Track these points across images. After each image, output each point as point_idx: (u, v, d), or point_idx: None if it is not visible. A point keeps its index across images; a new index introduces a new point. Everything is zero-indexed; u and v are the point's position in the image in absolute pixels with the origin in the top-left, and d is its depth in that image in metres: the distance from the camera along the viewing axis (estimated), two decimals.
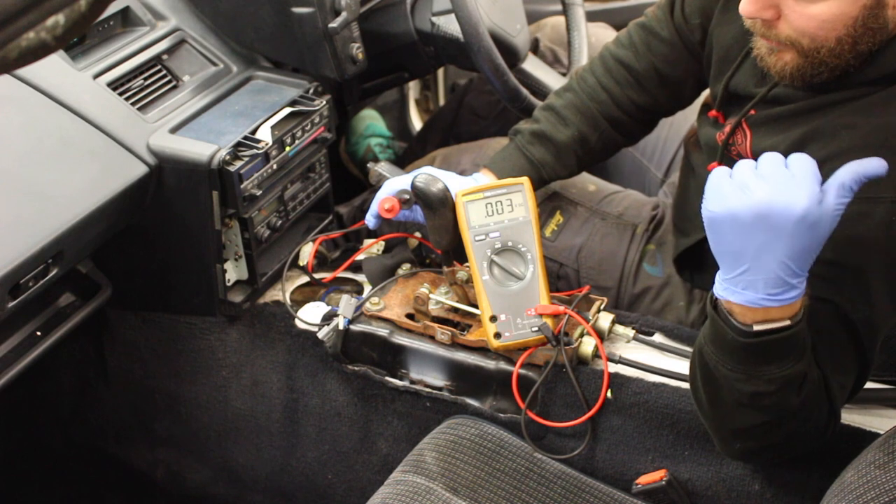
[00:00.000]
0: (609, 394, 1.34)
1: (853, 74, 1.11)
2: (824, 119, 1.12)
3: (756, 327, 1.02)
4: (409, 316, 1.43)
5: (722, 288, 1.03)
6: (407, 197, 1.40)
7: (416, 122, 2.41)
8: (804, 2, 1.04)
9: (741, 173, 0.98)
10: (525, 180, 1.36)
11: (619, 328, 1.39)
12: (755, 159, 1.17)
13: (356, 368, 1.47)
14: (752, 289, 0.99)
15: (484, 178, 1.47)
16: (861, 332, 1.09)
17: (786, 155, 1.02)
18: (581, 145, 1.49)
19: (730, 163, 1.27)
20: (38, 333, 1.44)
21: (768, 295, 0.99)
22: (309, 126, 1.53)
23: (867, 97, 1.10)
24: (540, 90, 1.71)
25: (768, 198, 0.95)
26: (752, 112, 1.24)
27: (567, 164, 1.49)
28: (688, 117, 1.64)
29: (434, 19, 1.70)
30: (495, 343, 1.31)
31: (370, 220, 1.44)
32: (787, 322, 1.01)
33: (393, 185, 1.43)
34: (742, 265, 0.99)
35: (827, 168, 1.00)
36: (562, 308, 1.33)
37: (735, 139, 1.26)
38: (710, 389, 1.11)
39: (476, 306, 1.36)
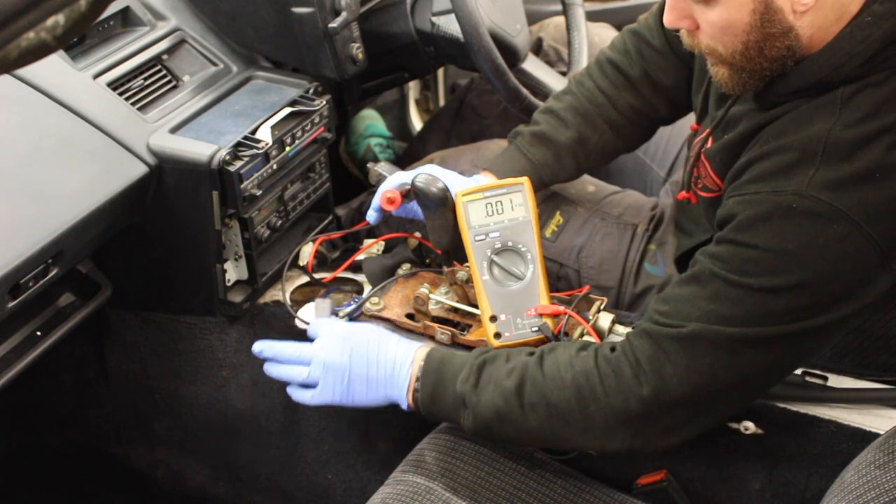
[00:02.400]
0: None
1: (785, 83, 1.14)
2: (761, 135, 1.16)
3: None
4: (409, 316, 1.43)
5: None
6: (409, 188, 1.40)
7: (416, 122, 2.41)
8: (705, 8, 1.10)
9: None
10: (525, 180, 1.36)
11: (620, 328, 1.39)
12: (724, 187, 1.23)
13: None
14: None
15: (485, 179, 1.47)
16: (750, 300, 1.09)
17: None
18: (581, 147, 1.49)
19: (696, 194, 1.33)
20: (38, 333, 1.44)
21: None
22: (309, 126, 1.53)
23: (798, 108, 1.14)
24: (540, 90, 1.71)
25: None
26: (710, 143, 1.28)
27: (567, 166, 1.50)
28: (690, 117, 1.63)
29: (434, 19, 1.70)
30: (495, 343, 1.31)
31: (371, 215, 1.45)
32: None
33: (395, 178, 1.43)
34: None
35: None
36: (562, 308, 1.33)
37: (699, 172, 1.31)
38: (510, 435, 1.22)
39: (476, 306, 1.36)
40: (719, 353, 1.10)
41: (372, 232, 1.68)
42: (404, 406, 1.25)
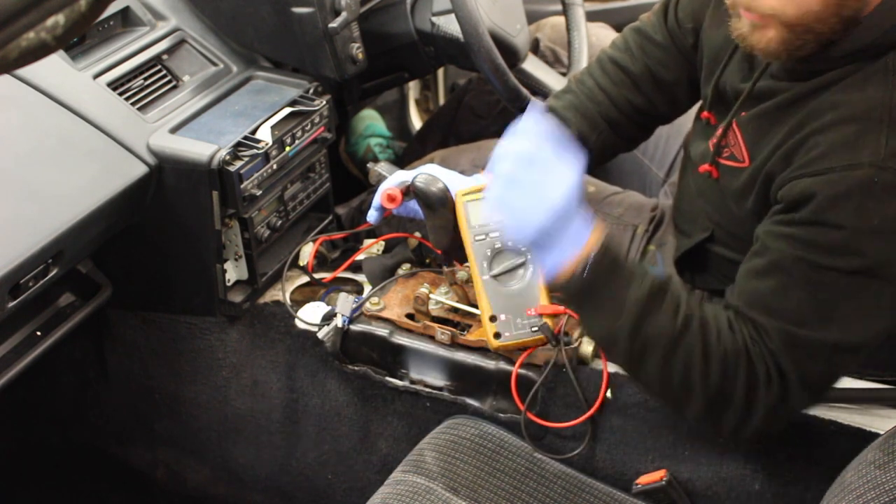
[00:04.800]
0: (609, 394, 1.34)
1: (832, 50, 1.11)
2: (809, 107, 1.14)
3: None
4: (409, 316, 1.43)
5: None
6: (409, 186, 1.39)
7: (416, 122, 2.41)
8: None
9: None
10: None
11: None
12: (752, 159, 1.18)
13: (356, 368, 1.47)
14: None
15: (485, 178, 1.46)
16: (844, 283, 1.08)
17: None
18: (580, 145, 1.48)
19: (719, 166, 1.28)
20: (38, 333, 1.44)
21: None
22: (309, 126, 1.53)
23: (847, 78, 1.11)
24: (540, 90, 1.71)
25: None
26: (743, 114, 1.25)
27: None
28: (689, 117, 1.63)
29: (434, 19, 1.70)
30: (495, 343, 1.31)
31: (372, 215, 1.43)
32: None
33: (396, 177, 1.42)
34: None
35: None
36: (562, 308, 1.33)
37: (727, 140, 1.27)
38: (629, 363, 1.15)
39: (476, 306, 1.36)
40: (821, 354, 1.09)
41: (372, 232, 1.68)
42: (567, 258, 1.09)
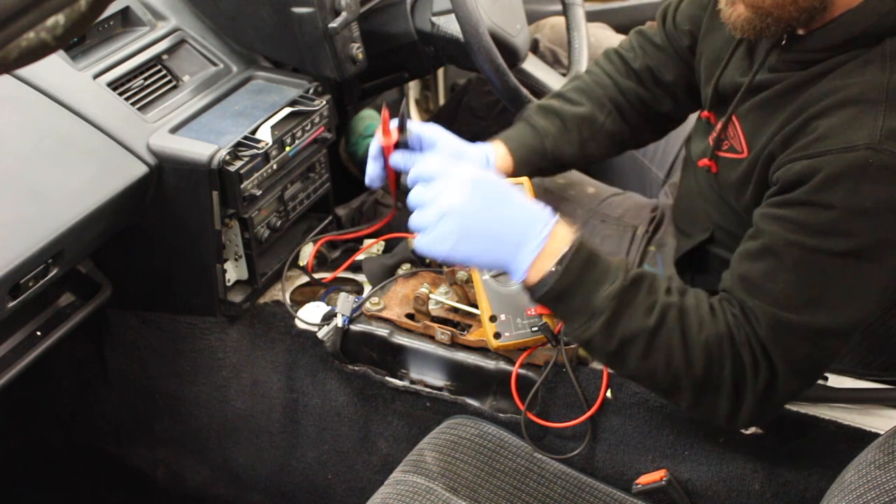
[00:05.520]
0: (609, 393, 1.34)
1: (824, 36, 1.13)
2: (808, 93, 1.15)
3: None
4: (409, 316, 1.43)
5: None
6: (405, 132, 1.29)
7: None
8: None
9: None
10: (525, 180, 1.36)
11: None
12: (750, 149, 1.20)
13: (356, 368, 1.47)
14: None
15: (496, 148, 1.44)
16: (833, 266, 1.09)
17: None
18: (588, 125, 1.47)
19: (718, 158, 1.28)
20: (38, 333, 1.44)
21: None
22: (309, 126, 1.53)
23: (845, 65, 1.12)
24: (540, 90, 1.70)
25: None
26: (740, 108, 1.26)
27: (572, 139, 1.46)
28: (689, 119, 1.64)
29: (434, 19, 1.70)
30: (495, 343, 1.31)
31: (372, 169, 1.31)
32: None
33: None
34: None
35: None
36: None
37: (727, 133, 1.28)
38: (614, 359, 1.15)
39: (476, 306, 1.36)
40: (809, 338, 1.10)
41: (372, 232, 1.68)
42: (518, 278, 1.11)
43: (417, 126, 1.31)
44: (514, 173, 1.41)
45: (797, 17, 1.12)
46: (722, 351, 1.10)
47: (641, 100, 1.50)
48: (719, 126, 1.29)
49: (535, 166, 1.43)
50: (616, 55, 1.52)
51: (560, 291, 1.10)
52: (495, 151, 1.41)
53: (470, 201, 1.08)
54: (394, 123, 1.29)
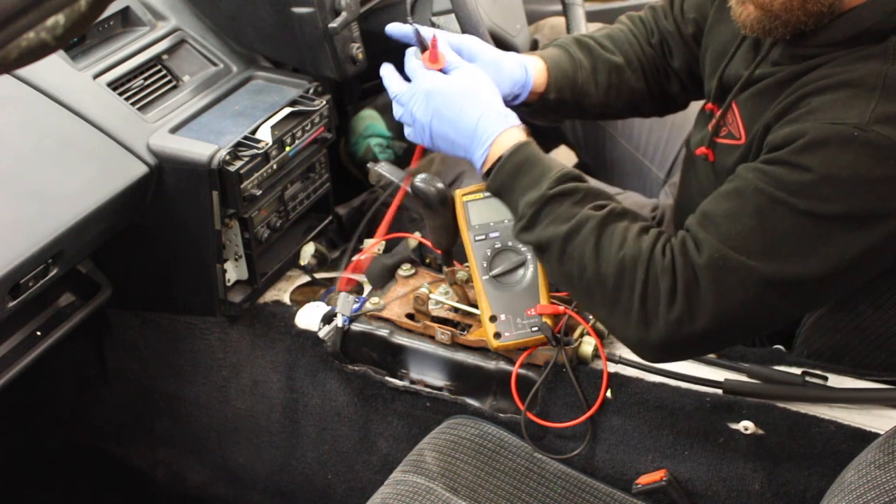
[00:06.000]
0: (609, 393, 1.34)
1: (830, 33, 1.13)
2: (805, 79, 1.16)
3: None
4: (409, 316, 1.43)
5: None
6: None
7: None
8: None
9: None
10: None
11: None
12: (748, 134, 1.22)
13: (356, 368, 1.47)
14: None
15: (535, 62, 1.41)
16: (792, 222, 1.08)
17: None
18: (617, 73, 1.47)
19: (716, 146, 1.29)
20: (38, 333, 1.44)
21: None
22: (309, 126, 1.53)
23: (848, 56, 1.13)
24: None
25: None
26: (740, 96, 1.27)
27: (600, 81, 1.46)
28: (688, 118, 1.64)
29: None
30: (495, 343, 1.31)
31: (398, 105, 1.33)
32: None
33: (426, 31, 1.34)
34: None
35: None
36: (562, 308, 1.33)
37: (725, 120, 1.29)
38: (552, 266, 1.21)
39: (476, 306, 1.36)
40: (749, 285, 1.09)
41: (372, 232, 1.67)
42: (477, 165, 1.26)
43: (455, 38, 1.35)
44: (545, 93, 1.40)
45: (805, 21, 1.13)
46: (635, 272, 1.11)
47: (657, 71, 1.50)
48: (718, 113, 1.30)
49: (562, 94, 1.42)
50: (639, 20, 1.52)
51: (495, 190, 1.24)
52: (534, 65, 1.40)
53: (426, 110, 1.25)
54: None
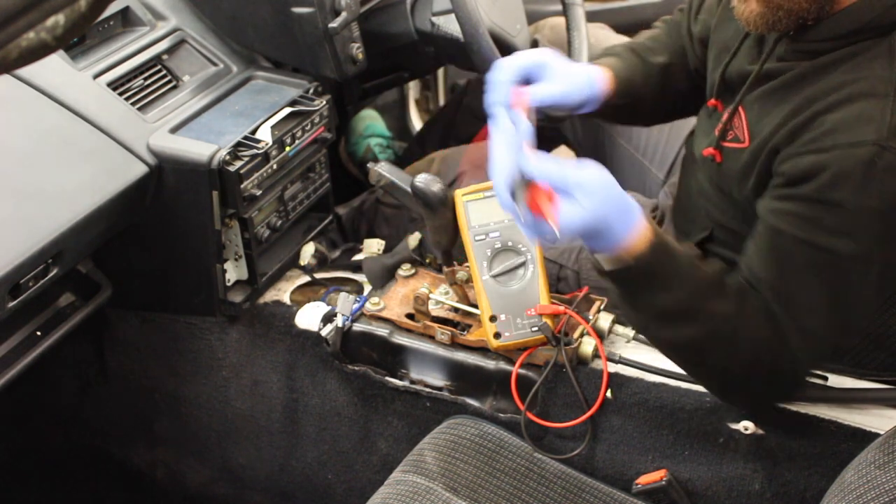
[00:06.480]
0: (609, 393, 1.34)
1: (831, 26, 1.14)
2: (815, 86, 1.16)
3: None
4: (409, 316, 1.43)
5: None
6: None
7: (416, 122, 2.41)
8: None
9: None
10: None
11: (620, 328, 1.39)
12: (752, 139, 1.22)
13: (356, 368, 1.47)
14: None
15: (600, 72, 1.39)
16: (843, 268, 1.11)
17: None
18: (665, 74, 1.48)
19: (722, 149, 1.29)
20: (38, 333, 1.44)
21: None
22: (309, 126, 1.53)
23: (853, 59, 1.14)
24: None
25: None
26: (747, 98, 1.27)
27: (653, 84, 1.47)
28: (687, 119, 1.64)
29: (434, 19, 1.70)
30: (495, 343, 1.31)
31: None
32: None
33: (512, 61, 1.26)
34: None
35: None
36: (562, 308, 1.33)
37: (732, 123, 1.29)
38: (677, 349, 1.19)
39: (476, 306, 1.36)
40: (832, 336, 1.15)
41: (372, 232, 1.68)
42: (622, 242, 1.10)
43: (530, 56, 1.26)
44: (611, 101, 1.39)
45: (808, 9, 1.13)
46: (766, 351, 1.13)
47: (688, 74, 1.51)
48: (725, 116, 1.29)
49: (625, 100, 1.42)
50: (672, 23, 1.53)
51: (647, 266, 1.10)
52: (601, 75, 1.39)
53: (596, 185, 1.07)
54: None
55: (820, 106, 1.13)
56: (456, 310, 1.42)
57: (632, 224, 1.09)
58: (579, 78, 1.31)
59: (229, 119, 1.48)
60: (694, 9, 1.49)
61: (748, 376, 1.17)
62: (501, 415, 1.39)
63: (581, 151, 2.02)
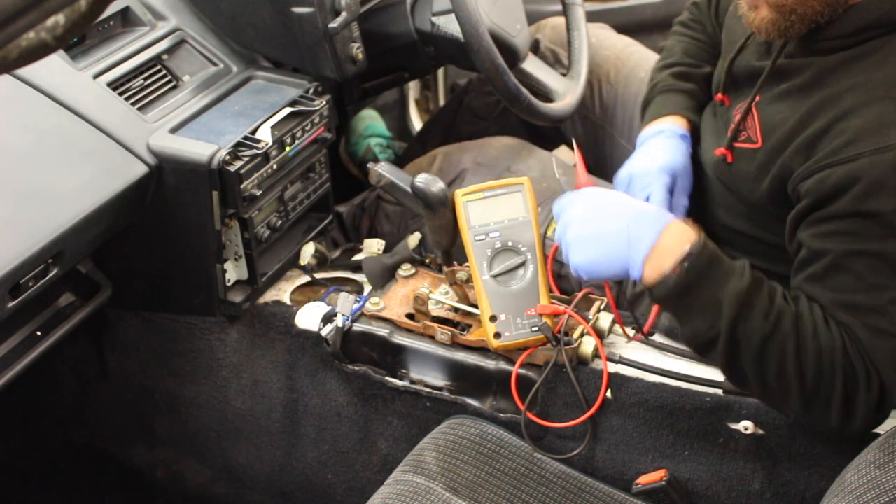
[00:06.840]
0: (609, 393, 1.34)
1: (843, 24, 1.13)
2: (828, 88, 1.15)
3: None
4: (409, 316, 1.43)
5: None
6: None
7: (416, 122, 2.41)
8: None
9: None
10: (525, 180, 1.36)
11: (619, 328, 1.39)
12: (765, 140, 1.21)
13: (356, 368, 1.47)
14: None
15: (684, 128, 1.43)
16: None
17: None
18: (709, 86, 1.48)
19: (734, 150, 1.28)
20: (38, 333, 1.44)
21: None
22: (309, 126, 1.53)
23: (864, 59, 1.13)
24: (540, 90, 1.70)
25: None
26: (759, 98, 1.26)
27: (704, 102, 1.47)
28: None
29: (434, 19, 1.70)
30: (495, 343, 1.31)
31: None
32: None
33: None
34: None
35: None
36: (562, 308, 1.33)
37: (745, 124, 1.28)
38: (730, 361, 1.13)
39: (476, 306, 1.36)
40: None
41: (373, 228, 1.68)
42: (635, 276, 1.12)
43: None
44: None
45: (821, 12, 1.13)
46: (834, 362, 1.08)
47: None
48: (738, 117, 1.29)
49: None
50: (692, 22, 1.54)
51: (684, 288, 1.09)
52: (687, 129, 1.42)
53: (581, 212, 1.16)
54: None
55: (836, 111, 1.11)
56: (456, 310, 1.42)
57: (659, 221, 1.10)
58: (685, 151, 1.40)
59: (229, 119, 1.48)
60: (713, 12, 1.50)
61: (827, 387, 1.09)
62: (501, 415, 1.39)
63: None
